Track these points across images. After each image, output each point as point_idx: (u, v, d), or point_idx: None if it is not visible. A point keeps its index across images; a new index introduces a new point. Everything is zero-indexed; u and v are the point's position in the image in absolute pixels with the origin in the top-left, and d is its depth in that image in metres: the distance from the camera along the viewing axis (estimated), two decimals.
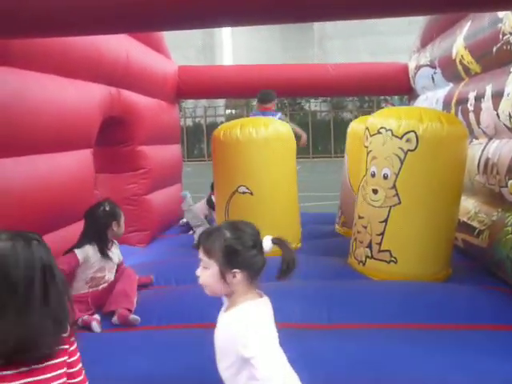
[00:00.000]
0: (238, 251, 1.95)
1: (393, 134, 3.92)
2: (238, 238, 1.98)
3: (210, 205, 6.11)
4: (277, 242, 2.03)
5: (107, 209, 3.70)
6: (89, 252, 3.58)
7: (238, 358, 1.88)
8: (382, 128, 4.00)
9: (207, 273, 1.97)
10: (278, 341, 2.03)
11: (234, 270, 1.94)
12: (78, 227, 3.95)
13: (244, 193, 4.75)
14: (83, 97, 4.16)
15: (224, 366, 1.95)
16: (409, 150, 3.88)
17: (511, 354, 2.83)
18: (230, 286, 1.96)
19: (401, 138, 3.89)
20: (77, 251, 3.55)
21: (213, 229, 2.10)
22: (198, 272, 2.01)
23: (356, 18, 2.86)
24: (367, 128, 4.20)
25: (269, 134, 4.73)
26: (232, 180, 4.79)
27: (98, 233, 3.63)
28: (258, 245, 2.00)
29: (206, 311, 3.36)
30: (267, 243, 2.02)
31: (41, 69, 3.53)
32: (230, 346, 1.90)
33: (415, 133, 3.84)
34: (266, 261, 2.01)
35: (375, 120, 4.13)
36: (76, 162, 4.02)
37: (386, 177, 3.97)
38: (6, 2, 2.28)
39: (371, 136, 4.12)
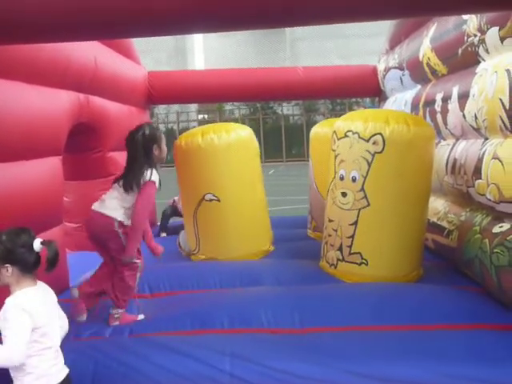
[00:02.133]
0: (9, 250, 2.41)
1: (360, 137, 3.95)
2: (10, 239, 2.43)
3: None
4: (44, 242, 2.50)
5: (147, 133, 3.59)
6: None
7: None
8: (348, 131, 4.03)
9: None
10: (56, 324, 2.50)
11: (6, 265, 2.41)
12: (46, 235, 3.89)
13: (211, 200, 4.74)
14: (51, 104, 4.09)
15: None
16: (376, 153, 3.91)
17: (483, 354, 2.86)
18: (5, 279, 2.42)
19: (367, 140, 3.92)
20: (153, 178, 3.44)
21: None
22: None
23: (327, 22, 2.87)
24: (334, 131, 4.23)
25: (231, 139, 4.74)
26: (198, 188, 4.78)
27: (144, 157, 3.52)
28: (27, 245, 2.45)
29: None
30: (36, 244, 2.47)
31: (6, 76, 3.46)
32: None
33: (382, 135, 3.88)
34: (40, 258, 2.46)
35: (342, 123, 4.16)
36: (44, 170, 3.95)
37: (354, 179, 4.00)
38: None
39: (338, 139, 4.15)
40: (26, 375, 2.36)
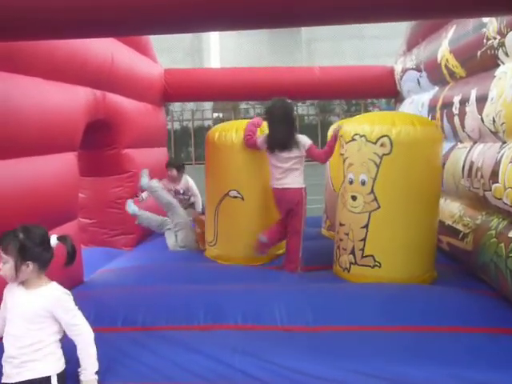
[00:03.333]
0: (29, 248, 2.48)
1: (367, 140, 3.95)
2: (28, 237, 2.49)
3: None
4: (60, 238, 2.60)
5: (288, 102, 4.51)
6: None
7: (53, 319, 2.51)
8: (356, 134, 4.02)
9: (6, 266, 2.48)
10: None
11: (28, 262, 2.48)
12: (61, 231, 3.92)
13: (235, 197, 4.73)
14: (67, 100, 4.12)
15: (33, 328, 2.49)
16: (384, 155, 3.90)
17: (495, 357, 2.84)
18: (25, 275, 2.50)
19: (375, 143, 3.92)
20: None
21: (8, 232, 2.52)
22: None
23: (344, 22, 2.86)
24: (341, 136, 4.22)
25: (264, 138, 4.71)
26: (224, 183, 4.77)
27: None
28: (45, 242, 2.54)
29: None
30: (53, 240, 2.57)
31: (24, 72, 3.50)
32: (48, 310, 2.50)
33: (389, 137, 3.87)
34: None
35: (349, 127, 4.16)
36: (60, 166, 3.98)
37: (363, 183, 3.99)
38: None
39: (346, 143, 4.14)
40: (49, 355, 2.52)
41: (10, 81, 3.33)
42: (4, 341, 2.55)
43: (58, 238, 2.60)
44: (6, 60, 3.26)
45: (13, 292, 2.57)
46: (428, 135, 3.96)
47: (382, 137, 3.88)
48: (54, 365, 2.55)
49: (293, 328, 3.28)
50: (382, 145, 3.90)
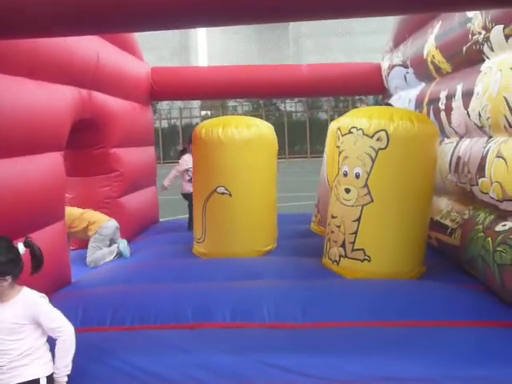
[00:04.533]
0: (3, 264, 2.45)
1: (364, 134, 3.94)
2: (1, 252, 2.46)
3: None
4: (27, 244, 2.58)
5: None
6: None
7: (35, 324, 2.51)
8: (353, 128, 4.02)
9: None
10: None
11: (6, 277, 2.47)
12: (48, 231, 3.89)
13: (223, 193, 4.72)
14: (53, 99, 4.08)
15: (18, 338, 2.48)
16: (380, 149, 3.90)
17: (483, 352, 2.86)
18: (2, 290, 2.49)
19: (371, 137, 3.91)
20: None
21: None
22: None
23: (330, 17, 2.85)
24: (339, 128, 4.21)
25: (251, 134, 4.71)
26: (211, 179, 4.76)
27: None
28: (14, 253, 2.51)
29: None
30: (21, 248, 2.55)
31: (8, 71, 3.45)
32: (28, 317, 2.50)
33: (386, 131, 3.87)
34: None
35: (346, 120, 4.15)
36: (46, 165, 3.94)
37: (357, 176, 3.99)
38: None
39: (343, 136, 4.13)
40: (37, 359, 2.52)
41: None
42: None
43: (25, 245, 2.59)
44: None
45: None
46: (425, 132, 3.97)
47: (380, 131, 3.88)
48: (43, 368, 2.54)
49: (281, 325, 3.28)
50: (378, 139, 3.89)
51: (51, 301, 3.63)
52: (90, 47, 4.82)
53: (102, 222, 5.17)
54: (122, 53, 5.92)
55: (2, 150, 3.39)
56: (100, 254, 5.08)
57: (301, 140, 32.44)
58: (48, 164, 3.98)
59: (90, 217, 5.18)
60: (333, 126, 5.83)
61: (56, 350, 2.56)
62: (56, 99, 4.15)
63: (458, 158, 4.29)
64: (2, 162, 3.37)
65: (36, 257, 2.59)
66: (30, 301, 2.53)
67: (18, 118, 3.53)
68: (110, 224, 5.21)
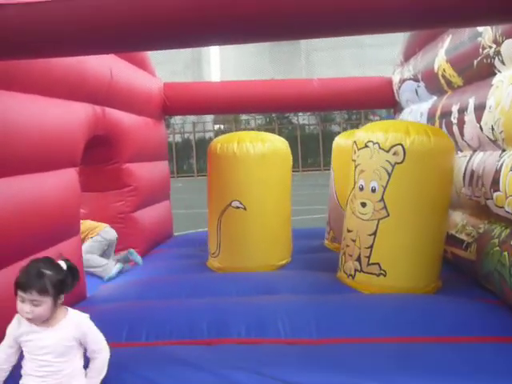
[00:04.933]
0: (62, 281, 2.46)
1: (380, 148, 3.94)
2: (55, 270, 2.44)
3: None
4: (65, 262, 2.54)
5: None
6: None
7: (80, 344, 2.52)
8: (369, 141, 4.02)
9: (41, 308, 2.40)
10: None
11: (61, 296, 2.47)
12: (64, 246, 3.93)
13: (237, 207, 4.75)
14: (67, 116, 4.14)
15: (67, 359, 2.49)
16: (396, 163, 3.90)
17: (499, 367, 2.82)
18: (56, 309, 2.48)
19: (388, 151, 3.91)
20: None
21: (30, 273, 2.42)
22: (28, 309, 2.39)
23: (341, 34, 2.88)
24: (355, 142, 4.22)
25: (266, 149, 4.74)
26: (226, 194, 4.79)
27: None
28: (63, 272, 2.49)
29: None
30: (64, 265, 2.51)
31: (22, 90, 3.51)
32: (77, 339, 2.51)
33: (402, 146, 3.87)
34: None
35: (363, 134, 4.16)
36: (61, 182, 3.99)
37: (374, 190, 3.99)
38: None
39: (359, 150, 4.14)
40: (80, 378, 2.54)
41: (7, 99, 3.34)
42: (29, 380, 2.51)
43: (65, 262, 2.56)
44: (3, 78, 3.28)
45: (35, 333, 2.49)
46: (441, 146, 3.96)
47: (396, 145, 3.88)
48: (83, 381, 2.57)
49: (296, 341, 3.27)
50: (395, 153, 3.89)
51: None
52: (103, 64, 4.89)
53: (102, 227, 5.19)
54: (134, 69, 5.99)
55: (18, 166, 3.44)
56: (100, 260, 5.06)
57: (314, 153, 32.42)
58: (63, 180, 4.03)
59: (88, 225, 5.18)
60: (337, 142, 5.85)
61: (89, 369, 2.57)
62: (70, 116, 4.21)
63: (472, 172, 4.27)
64: (17, 179, 3.42)
65: (73, 274, 2.57)
66: (78, 322, 2.53)
67: (33, 136, 3.58)
68: (111, 230, 5.23)
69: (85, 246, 4.95)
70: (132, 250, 5.47)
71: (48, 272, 2.42)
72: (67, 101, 4.19)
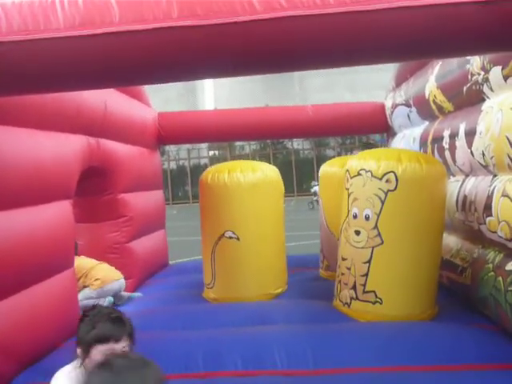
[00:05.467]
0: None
1: (372, 175, 3.97)
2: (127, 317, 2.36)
3: None
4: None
5: None
6: None
7: None
8: (361, 170, 4.05)
9: None
10: None
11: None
12: (58, 279, 3.91)
13: (230, 237, 4.74)
14: (61, 149, 4.16)
15: None
16: (389, 191, 3.92)
17: None
18: None
19: (380, 178, 3.94)
20: None
21: (120, 318, 2.32)
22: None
23: (334, 66, 2.93)
24: (347, 170, 4.25)
25: (257, 178, 4.76)
26: (219, 224, 4.78)
27: None
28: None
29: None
30: None
31: (16, 123, 3.54)
32: None
33: (394, 173, 3.90)
34: None
35: (355, 162, 4.19)
36: (55, 214, 3.99)
37: (367, 218, 4.00)
38: None
39: (351, 178, 4.17)
40: None
41: (1, 133, 3.37)
42: None
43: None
44: None
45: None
46: (433, 173, 4.00)
47: (388, 173, 3.91)
48: None
49: (293, 372, 3.24)
50: (387, 181, 3.92)
51: (60, 351, 3.64)
52: (98, 96, 4.93)
53: (109, 280, 5.16)
54: (128, 100, 6.04)
55: (12, 200, 3.45)
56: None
57: (309, 177, 32.51)
58: (57, 212, 4.03)
59: (97, 272, 5.17)
60: (324, 170, 5.88)
61: None
62: (65, 149, 4.23)
63: (465, 197, 4.30)
64: (11, 213, 3.42)
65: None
66: None
67: (27, 169, 3.59)
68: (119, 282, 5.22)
69: (84, 294, 4.96)
70: (134, 294, 5.43)
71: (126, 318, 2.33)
72: (61, 133, 4.21)
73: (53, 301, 3.81)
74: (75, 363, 2.32)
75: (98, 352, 2.16)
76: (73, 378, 2.25)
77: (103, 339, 2.18)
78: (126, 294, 5.41)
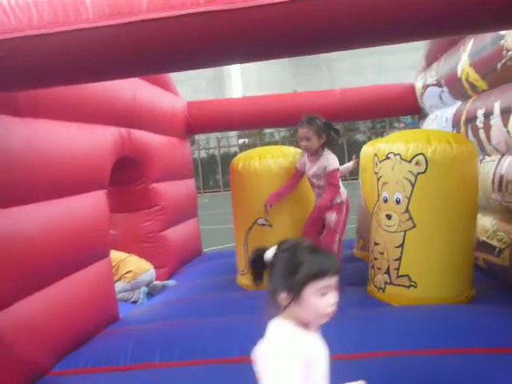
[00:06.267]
0: None
1: (401, 158, 3.91)
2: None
3: None
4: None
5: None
6: None
7: None
8: (390, 153, 4.00)
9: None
10: None
11: None
12: (93, 269, 3.98)
13: (263, 225, 4.75)
14: (94, 140, 4.22)
15: None
16: (419, 173, 3.86)
17: None
18: None
19: (410, 161, 3.88)
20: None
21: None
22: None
23: (361, 46, 2.88)
24: (376, 154, 4.20)
25: (288, 164, 4.75)
26: (251, 212, 4.79)
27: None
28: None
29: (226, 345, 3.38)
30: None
31: (50, 116, 3.60)
32: None
33: (424, 155, 3.83)
34: None
35: (383, 145, 4.13)
36: (90, 204, 4.06)
37: (398, 201, 3.95)
38: (13, 59, 2.33)
39: (380, 162, 4.11)
40: None
41: (36, 125, 3.43)
42: None
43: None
44: (32, 106, 3.37)
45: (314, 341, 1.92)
46: (464, 153, 3.91)
47: (417, 155, 3.85)
48: None
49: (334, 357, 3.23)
50: (417, 163, 3.86)
51: (97, 340, 3.71)
52: (128, 87, 4.98)
53: (141, 271, 5.24)
54: (158, 90, 6.08)
55: (48, 192, 3.52)
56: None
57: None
58: (92, 203, 4.09)
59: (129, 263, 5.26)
60: (365, 150, 5.81)
61: None
62: (98, 140, 4.29)
63: (501, 177, 4.21)
64: (48, 204, 3.49)
65: None
66: None
67: (62, 161, 3.66)
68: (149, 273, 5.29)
69: (118, 287, 5.04)
70: (168, 283, 5.52)
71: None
72: (94, 125, 4.27)
73: (89, 290, 3.88)
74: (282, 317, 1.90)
75: (314, 291, 1.83)
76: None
77: (320, 274, 1.82)
78: (159, 282, 5.48)
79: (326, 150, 4.68)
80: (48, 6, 2.15)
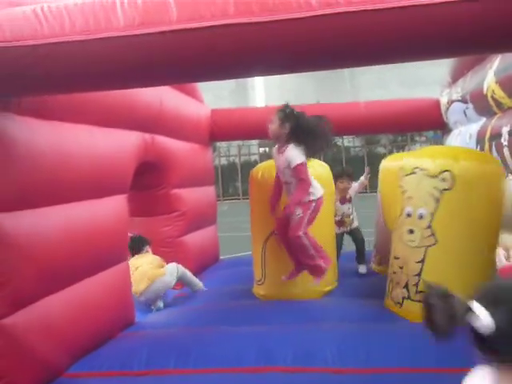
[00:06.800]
0: None
1: (428, 174, 3.89)
2: None
3: None
4: None
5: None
6: None
7: None
8: (416, 168, 3.98)
9: None
10: None
11: None
12: (113, 271, 4.02)
13: None
14: (117, 145, 4.27)
15: None
16: (444, 190, 3.84)
17: None
18: None
19: (436, 177, 3.86)
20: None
21: None
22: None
23: (384, 63, 2.89)
24: (401, 168, 4.18)
25: None
26: (269, 221, 4.78)
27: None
28: None
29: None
30: None
31: (75, 120, 3.65)
32: None
33: (451, 172, 3.81)
34: None
35: (410, 160, 4.12)
36: (111, 208, 4.10)
37: (421, 217, 3.93)
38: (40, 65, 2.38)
39: (406, 176, 4.10)
40: None
41: (61, 129, 3.48)
42: None
43: None
44: (57, 110, 3.43)
45: None
46: (491, 172, 3.90)
47: (444, 171, 3.83)
48: None
49: (344, 370, 3.22)
50: (443, 179, 3.84)
51: (114, 342, 3.73)
52: (153, 94, 5.02)
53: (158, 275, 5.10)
54: (183, 97, 6.13)
55: (70, 195, 3.56)
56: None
57: (359, 175, 32.13)
58: (113, 206, 4.14)
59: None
60: (384, 165, 5.77)
61: None
62: (121, 145, 4.34)
63: None
64: (70, 207, 3.54)
65: None
66: None
67: (85, 165, 3.70)
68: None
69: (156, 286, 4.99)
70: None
71: None
72: (118, 129, 4.32)
73: (107, 293, 3.91)
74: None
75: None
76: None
77: None
78: (192, 278, 5.42)
79: (291, 144, 4.31)
80: (80, 15, 2.20)
